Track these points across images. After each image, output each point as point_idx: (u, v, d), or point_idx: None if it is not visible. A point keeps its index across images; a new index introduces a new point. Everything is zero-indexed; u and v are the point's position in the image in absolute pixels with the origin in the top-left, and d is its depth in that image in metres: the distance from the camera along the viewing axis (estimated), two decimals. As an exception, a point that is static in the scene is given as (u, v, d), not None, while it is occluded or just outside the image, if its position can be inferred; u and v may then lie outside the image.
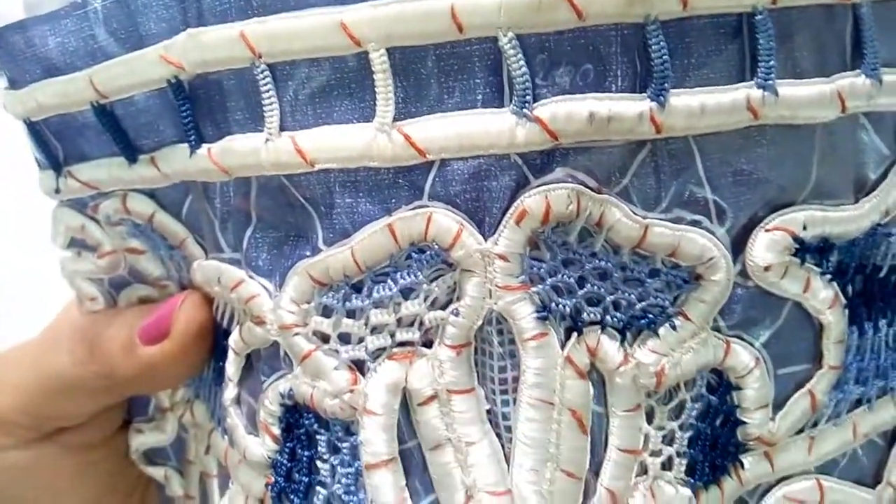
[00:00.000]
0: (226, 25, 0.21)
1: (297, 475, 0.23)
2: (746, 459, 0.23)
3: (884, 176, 0.23)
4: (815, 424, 0.24)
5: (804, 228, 0.22)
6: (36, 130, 0.27)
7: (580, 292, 0.21)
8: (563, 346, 0.21)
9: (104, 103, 0.24)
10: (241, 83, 0.22)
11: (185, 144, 0.23)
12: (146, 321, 0.27)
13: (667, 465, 0.22)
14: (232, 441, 0.25)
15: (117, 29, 0.23)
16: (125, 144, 0.25)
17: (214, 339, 0.27)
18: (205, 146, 0.23)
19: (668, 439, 0.22)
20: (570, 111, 0.19)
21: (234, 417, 0.25)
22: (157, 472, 0.32)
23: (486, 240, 0.20)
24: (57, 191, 0.28)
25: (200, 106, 0.23)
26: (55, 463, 0.30)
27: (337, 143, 0.21)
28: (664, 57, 0.19)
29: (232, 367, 0.25)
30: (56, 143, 0.27)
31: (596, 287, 0.21)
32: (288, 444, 0.23)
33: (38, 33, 0.25)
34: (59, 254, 0.30)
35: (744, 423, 0.22)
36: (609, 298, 0.21)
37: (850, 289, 0.23)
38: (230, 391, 0.25)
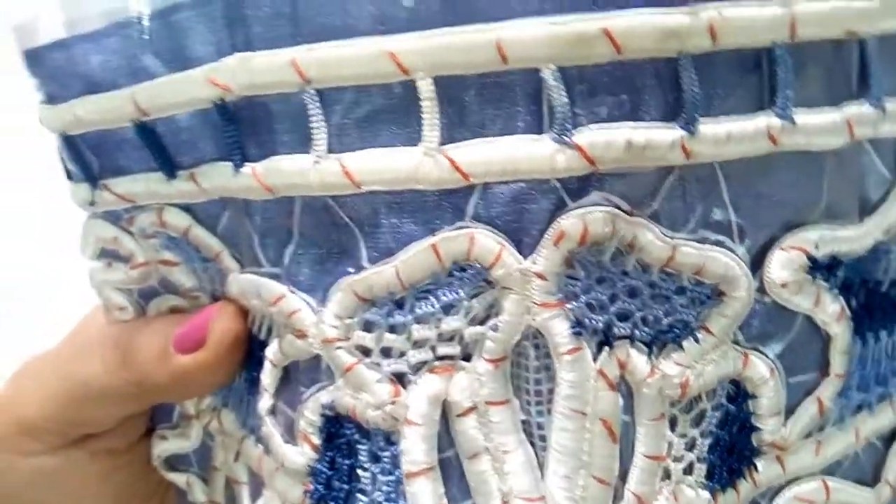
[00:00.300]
0: (276, 51, 0.22)
1: (336, 483, 0.24)
2: (760, 463, 0.24)
3: (884, 197, 0.25)
4: (821, 429, 0.25)
5: (816, 247, 0.23)
6: (72, 144, 0.27)
7: (612, 308, 0.22)
8: (594, 360, 0.22)
9: (145, 120, 0.25)
10: (288, 106, 0.22)
11: (226, 162, 0.24)
12: (181, 330, 0.27)
13: (688, 470, 0.23)
14: (268, 449, 0.26)
15: (162, 50, 0.24)
16: (164, 160, 0.25)
17: (248, 349, 0.27)
18: (248, 165, 0.24)
19: (690, 446, 0.23)
20: (608, 139, 0.20)
21: (269, 427, 0.25)
22: (179, 479, 0.32)
23: (525, 259, 0.21)
24: (91, 203, 0.28)
25: (245, 126, 0.23)
26: (81, 468, 0.30)
27: (384, 165, 0.21)
28: (695, 89, 0.20)
29: (268, 378, 0.25)
30: (92, 157, 0.27)
31: (626, 304, 0.22)
32: (328, 454, 0.24)
33: (81, 51, 0.25)
34: (88, 264, 0.30)
35: (758, 429, 0.24)
36: (638, 314, 0.22)
37: (853, 302, 0.25)
38: (266, 401, 0.25)
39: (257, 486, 0.27)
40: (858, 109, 0.23)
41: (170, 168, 0.25)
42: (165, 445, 0.32)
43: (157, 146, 0.25)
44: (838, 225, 0.24)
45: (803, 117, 0.22)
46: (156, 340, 0.27)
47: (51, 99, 0.27)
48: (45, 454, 0.29)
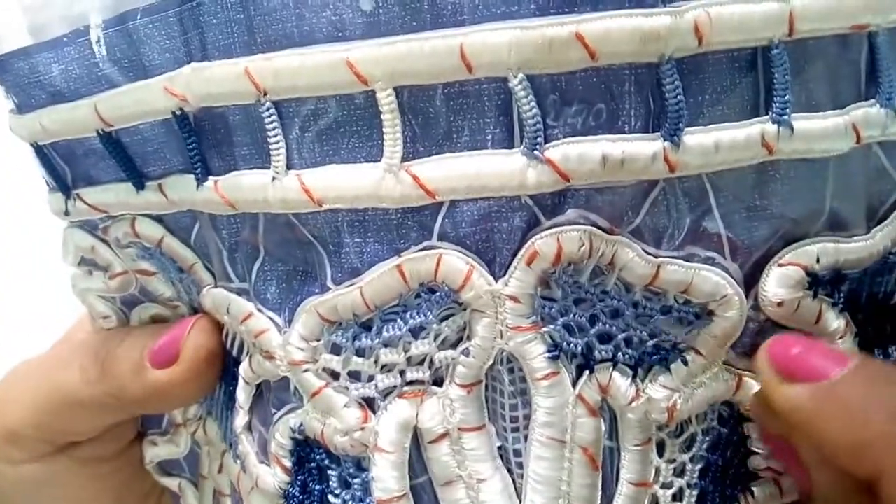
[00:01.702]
0: (230, 61, 0.20)
1: (309, 508, 0.22)
2: (757, 488, 0.22)
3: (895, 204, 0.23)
4: (823, 450, 0.23)
5: (817, 261, 0.21)
6: (44, 154, 0.26)
7: (592, 331, 0.20)
8: (574, 384, 0.20)
9: (109, 131, 0.23)
10: (246, 118, 0.21)
11: (192, 175, 0.22)
12: (156, 344, 0.26)
13: (678, 497, 0.22)
14: (244, 467, 0.24)
15: (120, 58, 0.22)
16: (132, 171, 0.24)
17: (225, 363, 0.26)
18: (212, 179, 0.22)
19: (679, 471, 0.22)
20: (582, 153, 0.18)
21: (245, 444, 0.24)
22: (171, 483, 0.31)
23: (496, 280, 0.20)
24: (66, 213, 0.27)
25: (207, 138, 0.22)
26: (68, 476, 0.29)
27: (344, 183, 0.20)
28: (679, 96, 0.18)
29: (243, 394, 0.24)
30: (64, 167, 0.26)
31: (608, 325, 0.20)
32: (299, 477, 0.22)
33: (43, 60, 0.24)
34: (70, 271, 0.29)
35: (755, 453, 0.22)
36: (621, 336, 0.20)
37: (860, 316, 0.22)
38: (241, 418, 0.24)
39: (238, 501, 0.26)
40: (866, 111, 0.20)
41: (138, 178, 0.24)
42: (156, 451, 0.31)
43: (124, 157, 0.24)
44: (843, 236, 0.21)
45: (803, 122, 0.20)
46: (132, 353, 0.26)
47: (19, 108, 0.25)
48: (30, 462, 0.28)
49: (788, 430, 0.20)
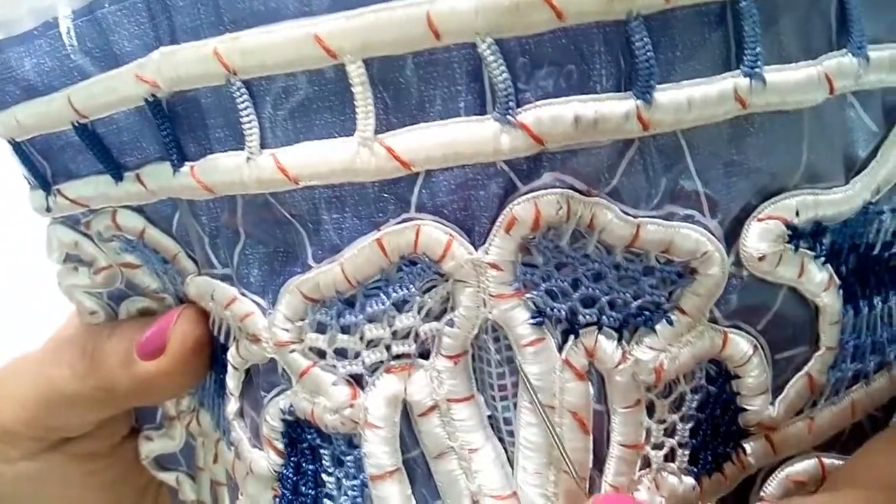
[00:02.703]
0: (198, 43, 0.20)
1: (303, 488, 0.22)
2: (748, 445, 0.22)
3: (874, 153, 0.22)
4: (814, 405, 0.23)
5: (797, 214, 0.21)
6: (22, 151, 0.26)
7: (575, 295, 0.20)
8: (560, 349, 0.20)
9: (84, 122, 0.23)
10: (219, 100, 0.20)
11: (169, 162, 0.22)
12: (143, 336, 0.26)
13: (670, 457, 0.21)
14: (238, 453, 0.24)
15: (92, 48, 0.22)
16: (109, 162, 0.24)
17: (213, 351, 0.26)
18: (188, 164, 0.22)
19: (670, 431, 0.21)
20: (554, 115, 0.18)
21: (238, 431, 0.24)
22: (169, 477, 0.31)
23: (476, 249, 0.19)
24: (47, 209, 0.27)
25: (181, 123, 0.22)
26: (62, 472, 0.29)
27: (319, 159, 0.19)
28: (648, 53, 0.18)
29: (232, 381, 0.24)
30: (43, 162, 0.26)
31: (591, 289, 0.20)
32: (293, 458, 0.22)
33: (14, 54, 0.24)
34: (56, 269, 0.29)
35: (744, 409, 0.22)
36: (604, 299, 0.20)
37: (843, 269, 0.22)
38: (233, 405, 0.24)
39: (235, 488, 0.26)
40: (838, 61, 0.20)
41: (116, 170, 0.24)
42: (151, 446, 0.30)
43: (100, 148, 0.23)
44: (822, 188, 0.21)
45: (775, 74, 0.19)
46: (121, 346, 0.26)
47: (-6, 105, 0.25)
48: (24, 459, 0.28)
49: None
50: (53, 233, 0.28)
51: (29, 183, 0.27)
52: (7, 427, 0.28)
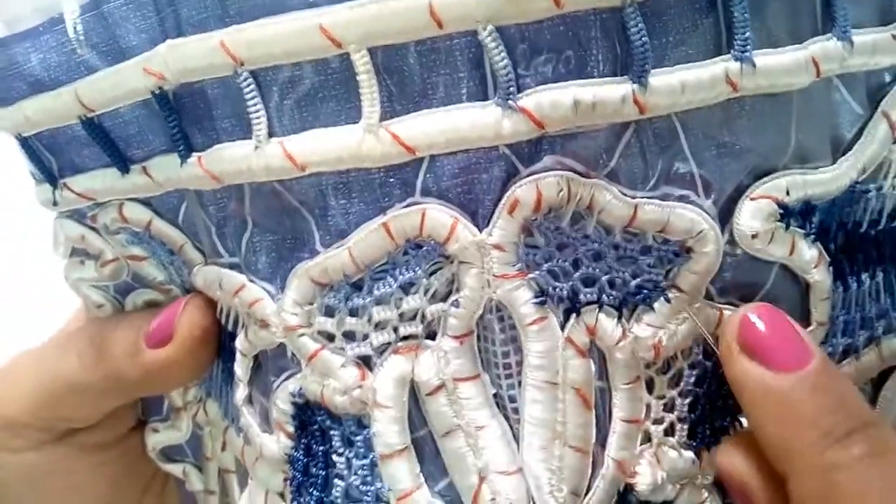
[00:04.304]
0: (205, 35, 0.20)
1: (314, 469, 0.22)
2: (745, 418, 0.23)
3: (859, 134, 0.23)
4: (806, 378, 0.24)
5: (787, 193, 0.21)
6: (28, 145, 0.26)
7: (576, 274, 0.20)
8: (562, 328, 0.21)
9: (91, 116, 0.23)
10: (225, 91, 0.21)
11: (176, 154, 0.22)
12: (151, 325, 0.26)
13: (669, 431, 0.22)
14: (247, 439, 0.25)
15: (98, 42, 0.22)
16: (116, 155, 0.24)
17: (220, 340, 0.26)
18: (195, 155, 0.22)
19: (669, 406, 0.22)
20: (554, 99, 0.19)
21: (247, 417, 0.24)
22: (175, 469, 0.31)
23: (480, 231, 0.20)
24: (54, 203, 0.27)
25: (187, 115, 0.22)
26: (69, 463, 0.29)
27: (326, 146, 0.20)
28: (644, 39, 0.19)
29: (241, 368, 0.24)
30: (49, 157, 0.26)
31: (591, 268, 0.20)
32: (303, 441, 0.23)
33: (21, 50, 0.24)
34: (62, 263, 0.29)
35: (740, 384, 0.22)
36: (604, 278, 0.21)
37: (832, 246, 0.23)
38: (241, 392, 0.24)
39: (244, 474, 0.26)
40: (824, 44, 0.21)
41: (122, 163, 0.24)
42: (158, 437, 0.31)
43: (107, 141, 0.24)
44: (810, 168, 0.22)
45: (764, 58, 0.20)
46: (128, 336, 0.26)
47: (0, 101, 0.25)
48: (30, 450, 0.28)
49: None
50: (60, 227, 0.28)
51: (35, 178, 0.27)
52: (13, 418, 0.28)
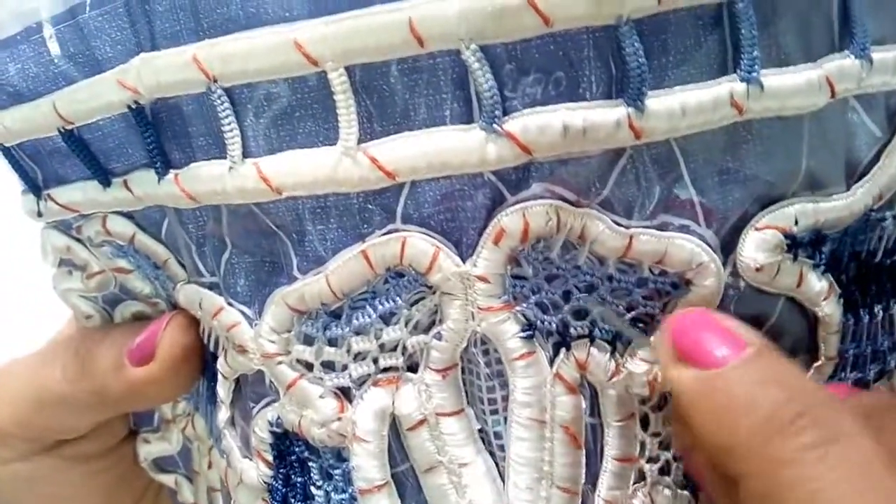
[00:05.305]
0: (178, 49, 0.19)
1: (292, 500, 0.21)
2: None
3: (876, 158, 0.21)
4: (813, 414, 0.22)
5: (796, 223, 0.19)
6: (12, 155, 0.25)
7: (566, 307, 0.19)
8: (551, 363, 0.19)
9: (70, 129, 0.22)
10: (200, 107, 0.20)
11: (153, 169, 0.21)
12: (133, 342, 0.25)
13: (665, 470, 0.21)
14: (229, 462, 0.24)
15: (74, 53, 0.21)
16: (96, 168, 0.23)
17: (205, 358, 0.25)
18: (172, 172, 0.21)
19: (665, 444, 0.21)
20: (542, 124, 0.17)
21: (229, 440, 0.23)
22: (167, 479, 0.30)
23: (464, 261, 0.19)
24: (39, 214, 0.26)
25: (164, 130, 0.21)
26: (57, 475, 0.29)
27: (301, 168, 0.19)
28: (640, 59, 0.17)
29: (222, 389, 0.23)
30: (33, 167, 0.25)
31: (582, 300, 0.19)
32: (281, 470, 0.22)
33: None
34: (50, 272, 0.28)
35: (741, 421, 0.21)
36: (596, 311, 0.19)
37: (844, 277, 0.21)
38: (223, 413, 0.23)
39: (228, 495, 0.25)
40: (840, 63, 0.19)
41: (103, 175, 0.23)
42: (149, 448, 0.30)
43: (87, 154, 0.23)
44: (822, 195, 0.20)
45: (774, 78, 0.18)
46: (112, 352, 0.25)
47: (-20, 111, 0.24)
48: (18, 461, 0.28)
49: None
50: (47, 237, 0.27)
51: (21, 187, 0.26)
52: (1, 427, 0.28)
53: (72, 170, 0.24)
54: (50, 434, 0.28)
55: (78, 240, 0.26)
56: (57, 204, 0.25)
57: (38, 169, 0.25)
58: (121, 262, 0.26)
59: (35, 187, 0.25)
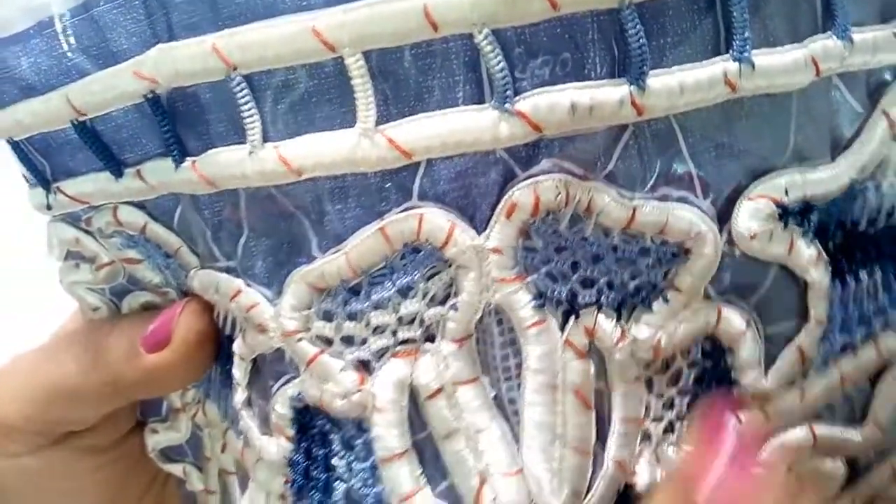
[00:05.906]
0: (197, 39, 0.20)
1: (314, 472, 0.22)
2: (743, 415, 0.22)
3: (858, 133, 0.23)
4: (805, 376, 0.23)
5: (786, 193, 0.21)
6: (21, 149, 0.26)
7: (574, 277, 0.20)
8: (561, 330, 0.20)
9: (83, 120, 0.23)
10: (218, 95, 0.20)
11: (170, 158, 0.22)
12: (148, 329, 0.26)
13: (669, 429, 0.22)
14: (247, 441, 0.24)
15: (88, 46, 0.22)
16: (109, 159, 0.23)
17: (219, 343, 0.26)
18: (189, 159, 0.22)
19: (669, 405, 0.22)
20: (551, 103, 0.18)
21: (246, 420, 0.24)
22: (175, 469, 0.31)
23: (478, 235, 0.20)
24: (48, 207, 0.26)
25: (181, 119, 0.22)
26: (67, 467, 0.29)
27: (321, 150, 0.19)
28: (641, 40, 0.18)
29: (239, 371, 0.24)
30: (42, 161, 0.25)
31: (589, 270, 0.20)
32: (303, 444, 0.22)
33: (10, 54, 0.23)
34: (57, 266, 0.29)
35: (738, 382, 0.22)
36: (603, 280, 0.20)
37: (830, 245, 0.23)
38: (240, 395, 0.24)
39: (244, 477, 0.26)
40: (824, 43, 0.21)
41: (116, 166, 0.24)
42: (157, 438, 0.30)
43: (100, 145, 0.23)
44: (809, 167, 0.21)
45: (764, 58, 0.20)
46: (125, 340, 0.26)
47: (-8, 105, 0.25)
48: (27, 455, 0.28)
49: None
50: (54, 230, 0.28)
51: (28, 181, 0.27)
52: (9, 422, 0.28)
53: (82, 162, 0.24)
54: (59, 427, 0.28)
55: (87, 231, 0.27)
56: (67, 196, 0.25)
57: (46, 162, 0.25)
58: (131, 252, 0.27)
59: (44, 181, 0.26)
